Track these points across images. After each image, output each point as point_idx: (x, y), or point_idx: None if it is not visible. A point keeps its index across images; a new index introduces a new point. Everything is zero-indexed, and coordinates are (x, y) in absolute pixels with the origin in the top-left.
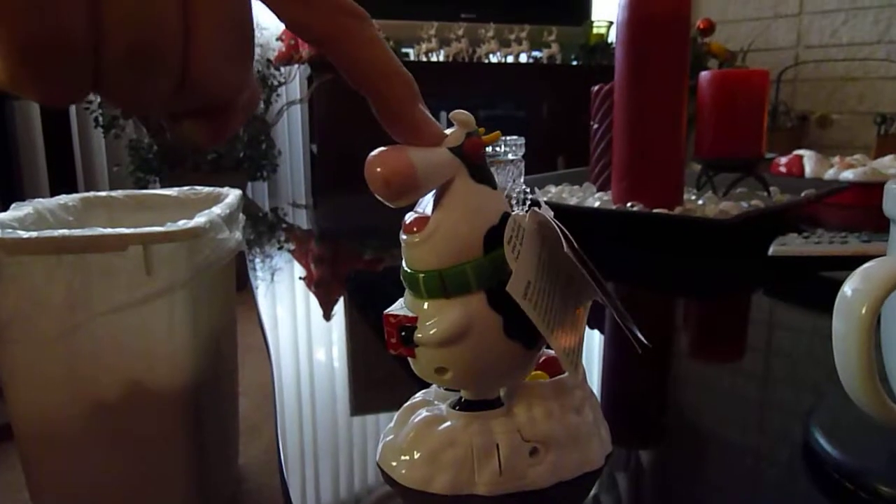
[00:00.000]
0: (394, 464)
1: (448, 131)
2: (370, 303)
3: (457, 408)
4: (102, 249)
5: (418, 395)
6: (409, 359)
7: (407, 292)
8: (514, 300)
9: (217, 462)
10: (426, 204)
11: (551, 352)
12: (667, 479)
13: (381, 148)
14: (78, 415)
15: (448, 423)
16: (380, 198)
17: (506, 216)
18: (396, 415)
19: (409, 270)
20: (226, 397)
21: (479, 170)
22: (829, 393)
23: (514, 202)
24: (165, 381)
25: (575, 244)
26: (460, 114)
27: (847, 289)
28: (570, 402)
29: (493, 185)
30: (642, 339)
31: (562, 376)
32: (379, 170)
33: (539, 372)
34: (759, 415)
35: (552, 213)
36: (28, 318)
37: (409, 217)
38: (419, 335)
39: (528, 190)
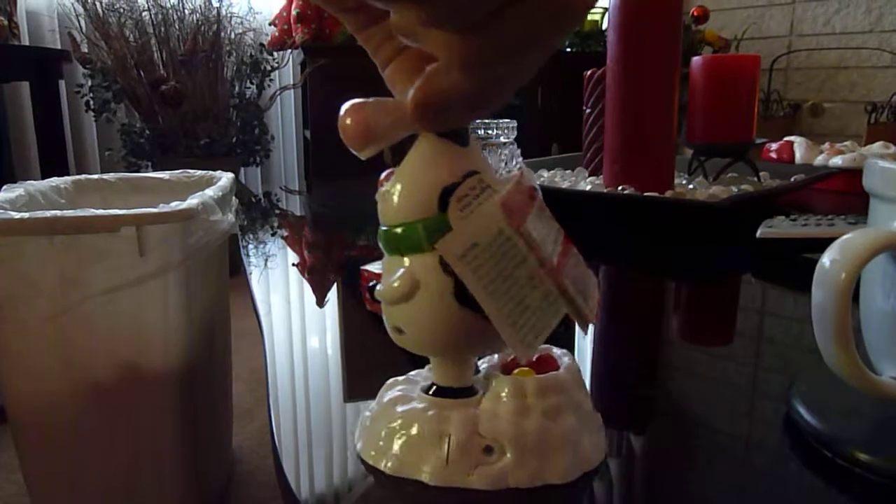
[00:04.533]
0: (358, 439)
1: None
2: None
3: (428, 392)
4: (95, 230)
5: (411, 373)
6: None
7: None
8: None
9: (211, 443)
10: None
11: (547, 348)
12: (650, 451)
13: (351, 101)
14: (71, 396)
15: (409, 406)
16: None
17: (470, 174)
18: (379, 391)
19: (380, 226)
20: (219, 379)
21: None
22: (809, 367)
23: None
24: (159, 362)
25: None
26: None
27: (826, 259)
28: (548, 404)
29: (463, 143)
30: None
31: (551, 374)
32: (347, 121)
33: (526, 369)
34: (742, 390)
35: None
36: (20, 300)
37: (385, 172)
38: (378, 289)
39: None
